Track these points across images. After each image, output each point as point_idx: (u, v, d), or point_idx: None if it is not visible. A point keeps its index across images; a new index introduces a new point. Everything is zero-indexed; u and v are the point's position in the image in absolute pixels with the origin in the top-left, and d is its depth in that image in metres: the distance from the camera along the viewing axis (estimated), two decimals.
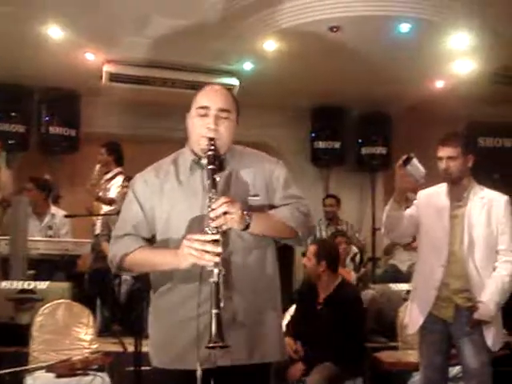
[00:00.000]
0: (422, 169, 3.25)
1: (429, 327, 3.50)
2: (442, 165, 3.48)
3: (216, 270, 2.07)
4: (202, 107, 2.30)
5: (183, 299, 2.25)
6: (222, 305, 2.06)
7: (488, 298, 3.35)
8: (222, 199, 2.13)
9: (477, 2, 5.34)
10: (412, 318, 3.61)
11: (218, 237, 2.09)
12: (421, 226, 3.62)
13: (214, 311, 2.04)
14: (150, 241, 2.38)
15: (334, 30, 5.77)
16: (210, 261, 2.07)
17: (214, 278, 2.07)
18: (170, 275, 2.27)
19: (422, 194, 3.68)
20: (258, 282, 2.30)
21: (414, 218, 3.61)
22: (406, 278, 6.20)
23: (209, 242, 2.08)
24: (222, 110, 2.30)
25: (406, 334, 4.77)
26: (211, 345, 2.01)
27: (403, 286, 5.75)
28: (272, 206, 2.35)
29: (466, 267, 3.40)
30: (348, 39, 6.02)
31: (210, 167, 2.20)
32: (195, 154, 2.34)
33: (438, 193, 3.61)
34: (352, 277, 6.03)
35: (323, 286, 4.47)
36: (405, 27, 5.74)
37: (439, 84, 7.44)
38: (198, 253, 2.08)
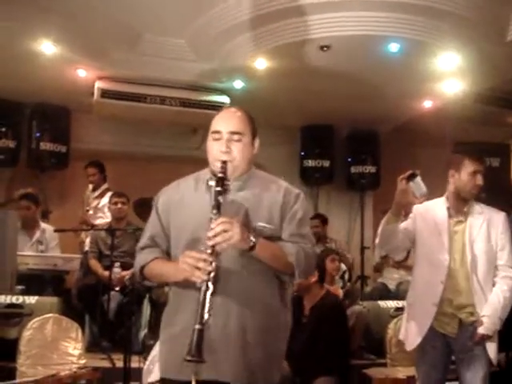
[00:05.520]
0: (424, 188, 3.24)
1: (429, 343, 3.45)
2: (479, 180, 3.45)
3: (203, 288, 2.12)
4: (216, 132, 2.39)
5: (185, 309, 2.30)
6: (206, 318, 2.09)
7: (492, 312, 3.34)
8: (221, 219, 2.17)
9: (465, 23, 5.41)
10: (410, 334, 3.54)
11: (211, 258, 2.14)
12: (417, 240, 3.57)
13: (197, 327, 2.08)
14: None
15: (324, 49, 5.83)
16: (199, 277, 2.13)
17: (201, 295, 2.11)
18: (177, 285, 2.37)
19: (419, 208, 3.60)
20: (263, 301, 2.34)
21: (409, 231, 3.56)
22: (394, 295, 6.23)
23: (201, 259, 2.14)
24: (234, 133, 2.37)
25: (395, 351, 4.79)
26: (189, 358, 2.05)
27: (392, 304, 5.77)
28: (280, 238, 2.38)
29: (469, 283, 3.39)
30: (338, 58, 6.07)
31: (216, 189, 2.26)
32: (214, 174, 2.39)
33: (435, 207, 3.56)
34: (340, 294, 6.04)
35: (310, 297, 4.50)
36: (394, 47, 5.80)
37: (427, 104, 7.50)
38: (190, 268, 2.15)
